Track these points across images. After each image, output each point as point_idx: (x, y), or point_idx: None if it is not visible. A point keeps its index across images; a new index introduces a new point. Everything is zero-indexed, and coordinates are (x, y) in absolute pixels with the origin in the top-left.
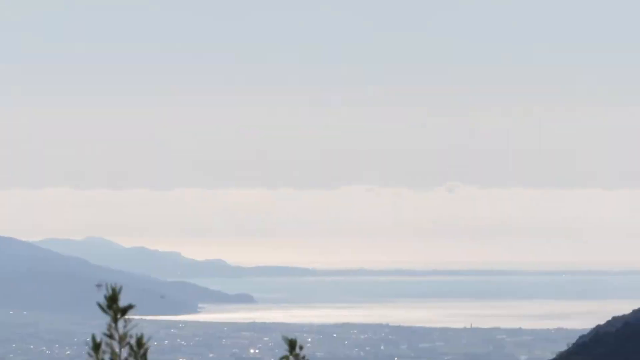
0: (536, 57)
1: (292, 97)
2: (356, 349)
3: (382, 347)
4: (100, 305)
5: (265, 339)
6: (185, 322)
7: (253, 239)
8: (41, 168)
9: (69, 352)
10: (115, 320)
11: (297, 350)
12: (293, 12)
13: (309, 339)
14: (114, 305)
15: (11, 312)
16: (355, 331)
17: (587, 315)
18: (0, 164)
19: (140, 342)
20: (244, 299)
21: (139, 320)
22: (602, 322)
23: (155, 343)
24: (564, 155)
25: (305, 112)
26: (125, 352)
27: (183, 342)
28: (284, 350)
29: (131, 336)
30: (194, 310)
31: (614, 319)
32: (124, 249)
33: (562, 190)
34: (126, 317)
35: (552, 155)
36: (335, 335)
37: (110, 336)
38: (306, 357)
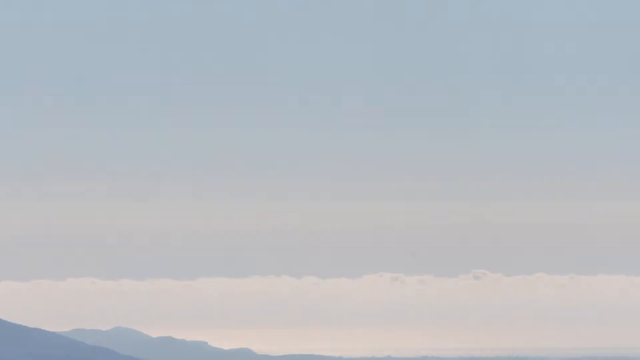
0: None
1: (315, 187)
2: None
3: None
4: None
5: None
6: None
7: (279, 327)
8: (64, 259)
9: None
10: None
11: None
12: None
13: None
14: None
15: None
16: None
17: None
18: (21, 254)
19: None
20: None
21: None
22: None
23: None
24: (588, 241)
25: (327, 201)
26: None
27: None
28: None
29: None
30: None
31: None
32: (151, 339)
33: (586, 276)
34: None
35: (575, 239)
36: None
37: None
38: None
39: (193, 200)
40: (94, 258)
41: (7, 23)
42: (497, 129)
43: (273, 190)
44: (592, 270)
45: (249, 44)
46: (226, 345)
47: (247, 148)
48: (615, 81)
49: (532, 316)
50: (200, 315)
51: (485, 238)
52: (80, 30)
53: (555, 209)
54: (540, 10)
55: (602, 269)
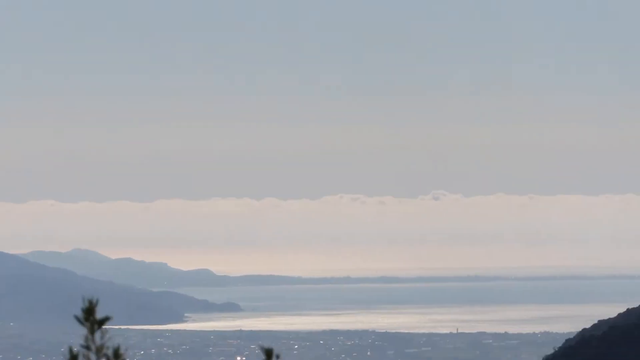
0: (516, 72)
1: (276, 110)
2: (343, 355)
3: (368, 353)
4: (77, 318)
5: (252, 346)
6: (171, 332)
7: (239, 248)
8: (25, 182)
9: None
10: (92, 331)
11: (274, 359)
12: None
13: (296, 346)
14: (90, 318)
15: None
16: (341, 338)
17: (572, 319)
18: None
19: (117, 353)
20: (230, 308)
21: (125, 330)
22: (587, 325)
23: (142, 352)
24: (546, 163)
25: (288, 123)
26: None
27: (170, 351)
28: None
29: (108, 347)
30: (180, 319)
31: (600, 322)
32: (110, 260)
33: (545, 197)
34: (103, 328)
35: (535, 162)
36: (322, 342)
37: (87, 347)
38: None
39: (153, 123)
40: (52, 180)
41: None
42: (454, 52)
43: (234, 112)
44: (551, 191)
45: None
46: (185, 266)
47: (208, 74)
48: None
49: (491, 236)
50: (159, 236)
51: (444, 159)
52: None
53: (514, 130)
54: None
55: (561, 189)
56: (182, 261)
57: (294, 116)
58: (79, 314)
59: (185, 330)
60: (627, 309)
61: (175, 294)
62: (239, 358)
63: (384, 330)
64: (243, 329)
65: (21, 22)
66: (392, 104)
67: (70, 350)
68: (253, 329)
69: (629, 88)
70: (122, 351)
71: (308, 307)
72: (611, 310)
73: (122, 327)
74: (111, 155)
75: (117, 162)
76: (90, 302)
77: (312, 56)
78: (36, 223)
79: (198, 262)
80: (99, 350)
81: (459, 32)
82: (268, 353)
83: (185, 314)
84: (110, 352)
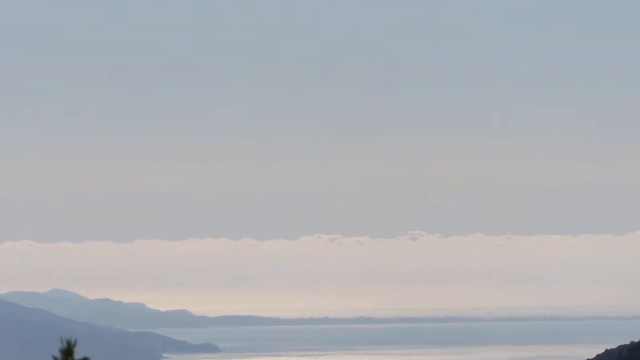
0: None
1: (252, 150)
2: None
3: None
4: (55, 359)
5: None
6: None
7: (217, 288)
8: (2, 222)
9: None
10: None
11: None
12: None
13: None
14: (68, 358)
15: None
16: None
17: None
18: None
19: None
20: (208, 349)
21: None
22: None
23: None
24: (524, 203)
25: (265, 163)
26: None
27: None
28: None
29: None
30: None
31: None
32: (88, 301)
33: (523, 237)
34: None
35: (513, 202)
36: None
37: None
38: None
39: (131, 164)
40: (31, 220)
41: None
42: (431, 92)
43: (210, 154)
44: (529, 231)
45: None
46: (164, 306)
47: (185, 115)
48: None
49: (469, 276)
50: (137, 277)
51: (422, 199)
52: None
53: (493, 171)
54: None
55: (540, 229)
56: (161, 302)
57: (270, 157)
58: (57, 354)
59: None
60: (606, 350)
61: (153, 335)
62: None
63: None
64: None
65: None
66: (370, 144)
67: None
68: None
69: (609, 129)
70: None
71: (286, 348)
72: (589, 352)
73: None
74: (90, 195)
75: (96, 202)
76: (69, 343)
77: (289, 96)
78: (14, 263)
79: (176, 303)
80: None
81: (438, 73)
82: None
83: (163, 355)
84: None
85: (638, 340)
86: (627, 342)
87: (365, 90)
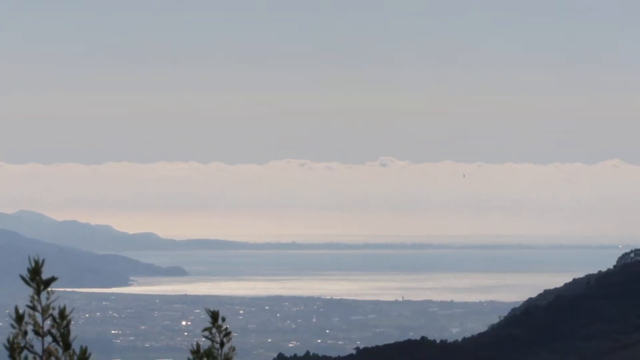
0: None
1: (226, 74)
2: (288, 321)
3: (314, 320)
4: (23, 278)
5: (197, 311)
6: (116, 295)
7: (185, 212)
8: None
9: (0, 324)
10: (38, 292)
11: (220, 322)
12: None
13: (241, 312)
14: (36, 278)
15: None
16: (287, 304)
17: (518, 289)
18: None
19: (63, 314)
20: (175, 272)
21: (71, 293)
22: (533, 295)
23: (87, 315)
24: (495, 130)
25: (236, 87)
26: (48, 323)
27: (115, 314)
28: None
29: (54, 308)
30: (125, 283)
31: (546, 292)
32: (55, 222)
33: (494, 165)
34: (49, 289)
35: (484, 130)
36: (267, 307)
37: (33, 308)
38: (228, 328)
39: (103, 84)
40: (0, 139)
41: None
42: (403, 18)
43: (184, 75)
44: (499, 159)
45: None
46: (131, 229)
47: (161, 38)
48: None
49: (438, 203)
50: (106, 199)
51: (393, 126)
52: None
53: (463, 98)
54: None
55: (510, 157)
56: (128, 224)
57: (243, 80)
58: (25, 274)
59: (130, 294)
60: (573, 279)
61: (121, 257)
62: (184, 322)
63: (330, 297)
64: (188, 293)
65: None
66: (341, 70)
67: (17, 311)
68: (198, 293)
69: (579, 58)
70: (67, 312)
71: (254, 273)
72: (557, 280)
73: (67, 289)
74: (60, 116)
75: (66, 123)
76: (37, 263)
77: (263, 18)
78: None
79: (144, 226)
80: (44, 311)
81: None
82: (214, 316)
83: (131, 278)
84: (56, 313)
85: (605, 269)
86: (595, 271)
87: (333, 15)
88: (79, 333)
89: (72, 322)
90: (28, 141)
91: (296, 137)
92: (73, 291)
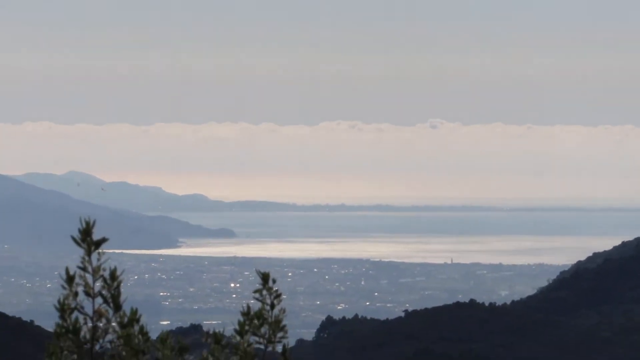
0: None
1: (274, 35)
2: (337, 284)
3: (362, 282)
4: (74, 238)
5: (246, 273)
6: (165, 257)
7: (234, 173)
8: (22, 102)
9: (49, 285)
10: (88, 253)
11: (270, 284)
12: None
13: (290, 274)
14: (87, 239)
15: None
16: (335, 266)
17: (567, 252)
18: None
19: (113, 275)
20: (224, 234)
21: (119, 254)
22: (583, 258)
23: (136, 277)
24: (545, 93)
25: (288, 49)
26: (98, 284)
27: (163, 276)
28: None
29: (104, 269)
30: (174, 244)
31: (595, 255)
32: (105, 184)
33: (544, 127)
34: (100, 250)
35: (534, 93)
36: (315, 270)
37: (84, 269)
38: (279, 290)
39: (153, 46)
40: (49, 101)
41: None
42: None
43: (232, 38)
44: (550, 121)
45: None
46: (180, 190)
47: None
48: None
49: (488, 166)
50: (155, 160)
51: (443, 88)
52: None
53: (514, 62)
54: None
55: (560, 119)
56: (177, 186)
57: (293, 42)
58: (76, 235)
59: (179, 256)
60: (623, 242)
61: (170, 219)
62: (232, 284)
63: (378, 259)
64: (237, 255)
65: None
66: (391, 32)
67: (67, 272)
68: (247, 255)
69: (624, 20)
70: (118, 274)
71: (302, 235)
72: (606, 243)
73: (116, 251)
74: (109, 76)
75: (116, 84)
76: (87, 223)
77: None
78: (32, 145)
79: (193, 187)
80: (95, 272)
81: None
82: (265, 278)
83: (179, 239)
84: (106, 274)
85: None
86: None
87: None
88: (127, 295)
89: (122, 284)
90: (77, 102)
91: (347, 99)
92: (122, 252)
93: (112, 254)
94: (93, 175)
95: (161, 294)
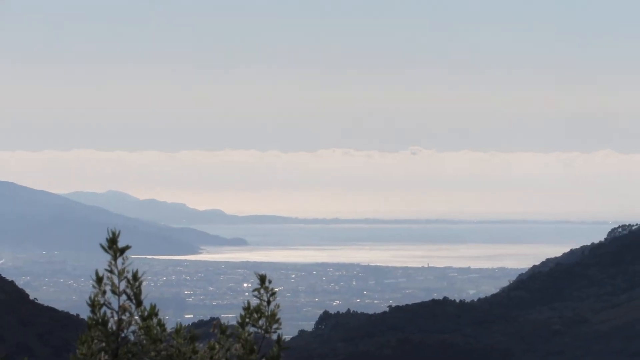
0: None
1: (279, 73)
2: (332, 284)
3: (353, 283)
4: (102, 246)
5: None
6: (189, 262)
7: (246, 192)
8: (70, 133)
9: (91, 285)
10: (115, 258)
11: (267, 284)
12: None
13: (293, 276)
14: (113, 246)
15: (44, 252)
16: (331, 269)
17: (524, 257)
18: (34, 129)
19: (135, 276)
20: (238, 242)
21: (150, 259)
22: (537, 263)
23: (164, 278)
24: (505, 124)
25: (293, 88)
26: (123, 284)
27: (187, 278)
28: (272, 286)
29: (128, 271)
30: (196, 251)
31: (548, 260)
32: (138, 201)
33: (505, 153)
34: (124, 255)
35: (496, 123)
36: (314, 272)
37: (111, 271)
38: (274, 289)
39: (180, 86)
40: (93, 131)
41: None
42: (425, 22)
43: (247, 78)
44: (510, 148)
45: None
46: (201, 206)
47: (220, 37)
48: None
49: (457, 186)
50: (180, 181)
51: (422, 120)
52: None
53: (479, 97)
54: None
55: (518, 147)
56: (199, 202)
57: (296, 82)
58: (104, 243)
59: (200, 261)
60: (571, 250)
61: (192, 230)
62: (245, 284)
63: (367, 264)
64: (249, 260)
65: None
66: (378, 73)
67: (97, 274)
68: (257, 260)
69: (577, 57)
70: (139, 275)
71: (303, 243)
72: (557, 250)
73: (148, 256)
74: (142, 111)
75: (147, 116)
76: (114, 233)
77: (313, 23)
78: (78, 168)
79: (212, 203)
80: (120, 274)
81: (437, 7)
82: (262, 279)
83: (200, 247)
84: (129, 276)
85: (597, 241)
86: (589, 243)
87: (369, 23)
88: (157, 293)
89: (149, 283)
90: (116, 132)
91: (341, 130)
92: (152, 258)
93: (143, 259)
94: (128, 193)
95: (185, 292)
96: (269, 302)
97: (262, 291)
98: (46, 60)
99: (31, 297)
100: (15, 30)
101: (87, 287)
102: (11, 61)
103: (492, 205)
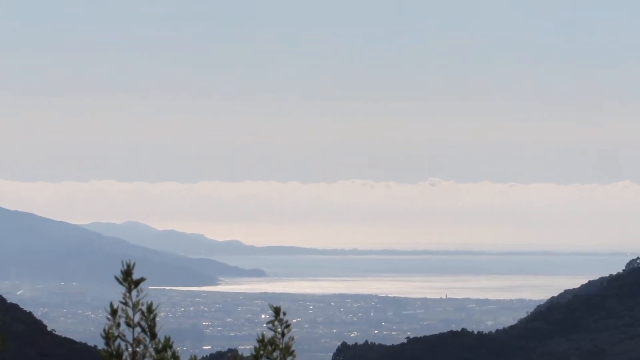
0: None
1: (299, 105)
2: (350, 315)
3: (372, 314)
4: (117, 278)
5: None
6: (207, 292)
7: (265, 223)
8: (88, 164)
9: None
10: (129, 290)
11: (281, 315)
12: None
13: (311, 307)
14: (128, 278)
15: (62, 283)
16: (349, 300)
17: (543, 289)
18: (54, 160)
19: (150, 309)
20: (256, 273)
21: (169, 290)
22: (555, 294)
23: (182, 309)
24: (525, 156)
25: (313, 120)
26: (138, 316)
27: (205, 309)
28: (290, 317)
29: (143, 304)
30: (214, 282)
31: (566, 291)
32: (156, 232)
33: (524, 185)
34: (139, 287)
35: (516, 156)
36: (333, 303)
37: (125, 303)
38: (288, 321)
39: (199, 118)
40: (112, 163)
41: None
42: (442, 53)
43: (266, 109)
44: (529, 180)
45: None
46: (220, 237)
47: (240, 69)
48: None
49: (478, 217)
50: (199, 212)
51: (440, 152)
52: None
53: (500, 129)
54: None
55: (537, 179)
56: (217, 233)
57: (317, 114)
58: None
59: (218, 292)
60: (589, 281)
61: (211, 261)
62: (263, 316)
63: (385, 295)
64: (267, 291)
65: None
66: (398, 106)
67: (111, 306)
68: (275, 291)
69: (597, 91)
70: (154, 307)
71: (321, 274)
72: (575, 282)
73: (166, 287)
74: (161, 142)
75: (167, 148)
76: (128, 266)
77: (324, 57)
78: (97, 198)
79: (230, 234)
80: (134, 306)
81: (450, 39)
82: (276, 311)
83: (219, 278)
84: (144, 308)
85: (616, 273)
86: (607, 274)
87: (386, 54)
88: (175, 324)
89: (167, 314)
90: (135, 164)
91: (360, 162)
92: (171, 289)
93: (162, 290)
94: (147, 224)
95: (204, 323)
96: (283, 334)
97: (276, 323)
98: (66, 92)
99: (49, 328)
100: (35, 62)
101: (105, 319)
102: (31, 93)
103: (510, 237)
